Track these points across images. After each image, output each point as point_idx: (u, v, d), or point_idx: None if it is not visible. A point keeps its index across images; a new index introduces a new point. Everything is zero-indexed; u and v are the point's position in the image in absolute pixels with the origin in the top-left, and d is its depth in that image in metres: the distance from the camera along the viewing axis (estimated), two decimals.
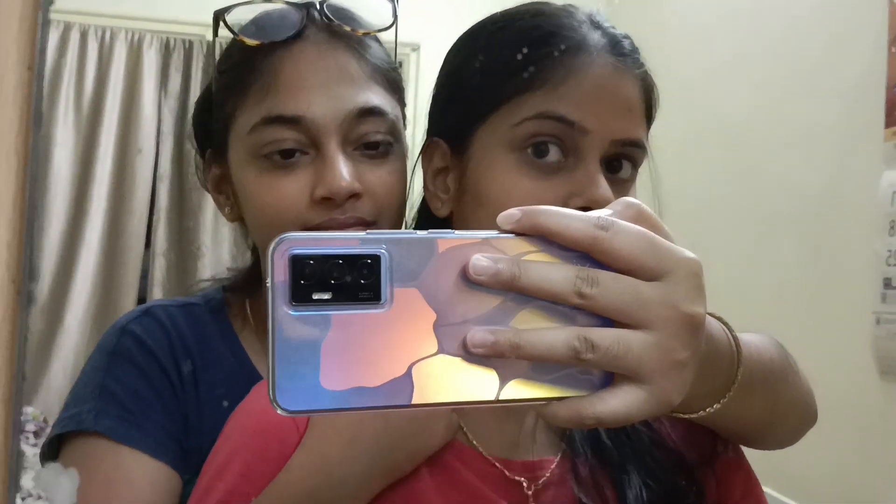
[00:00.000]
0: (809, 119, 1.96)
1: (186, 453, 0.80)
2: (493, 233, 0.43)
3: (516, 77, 0.67)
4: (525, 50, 0.68)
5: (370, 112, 0.80)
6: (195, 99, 1.06)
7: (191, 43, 3.32)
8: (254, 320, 0.92)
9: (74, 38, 3.15)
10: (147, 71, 3.25)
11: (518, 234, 0.43)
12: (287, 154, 0.78)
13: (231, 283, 0.97)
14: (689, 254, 0.45)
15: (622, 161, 0.69)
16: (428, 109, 0.77)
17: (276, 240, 0.41)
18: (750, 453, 2.18)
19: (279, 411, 0.40)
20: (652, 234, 0.44)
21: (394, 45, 0.88)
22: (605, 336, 0.42)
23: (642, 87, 0.70)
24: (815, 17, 1.97)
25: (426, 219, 0.76)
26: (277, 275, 0.40)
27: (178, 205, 3.34)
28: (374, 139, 0.80)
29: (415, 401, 0.41)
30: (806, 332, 1.90)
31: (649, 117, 0.73)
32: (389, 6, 0.85)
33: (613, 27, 0.72)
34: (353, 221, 0.77)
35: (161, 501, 0.77)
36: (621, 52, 0.69)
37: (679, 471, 0.72)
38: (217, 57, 0.88)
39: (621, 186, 0.68)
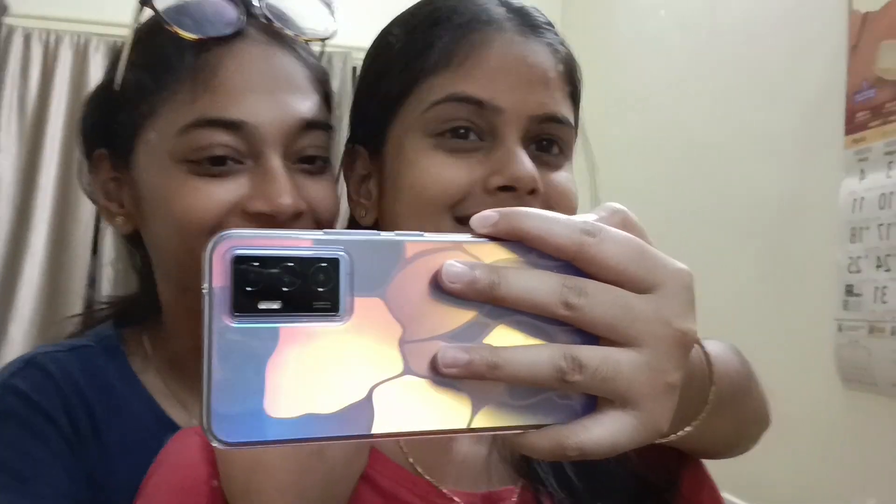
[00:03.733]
0: (770, 127, 1.96)
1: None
2: (467, 236, 0.38)
3: (420, 61, 0.64)
4: (425, 31, 0.65)
5: (315, 125, 0.75)
6: None
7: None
8: (156, 357, 0.84)
9: (17, 42, 3.05)
10: (94, 75, 3.15)
11: (494, 238, 0.38)
12: (218, 161, 0.71)
13: (121, 317, 0.87)
14: (681, 265, 0.41)
15: (549, 140, 0.65)
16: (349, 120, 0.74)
17: (216, 238, 0.34)
18: (713, 462, 2.17)
19: (215, 444, 0.34)
20: (642, 241, 0.40)
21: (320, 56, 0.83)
22: (593, 355, 0.37)
23: (559, 60, 0.66)
24: (775, 26, 1.98)
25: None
26: (216, 279, 0.34)
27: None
28: (312, 153, 0.75)
29: (375, 430, 0.35)
30: (768, 339, 1.91)
31: (574, 95, 0.69)
32: (329, 15, 0.81)
33: (523, 2, 0.68)
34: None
35: None
36: (530, 23, 0.65)
37: (647, 497, 0.68)
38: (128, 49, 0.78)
39: (553, 166, 0.65)
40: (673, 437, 0.54)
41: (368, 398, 0.35)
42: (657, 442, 0.52)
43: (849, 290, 1.62)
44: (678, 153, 2.38)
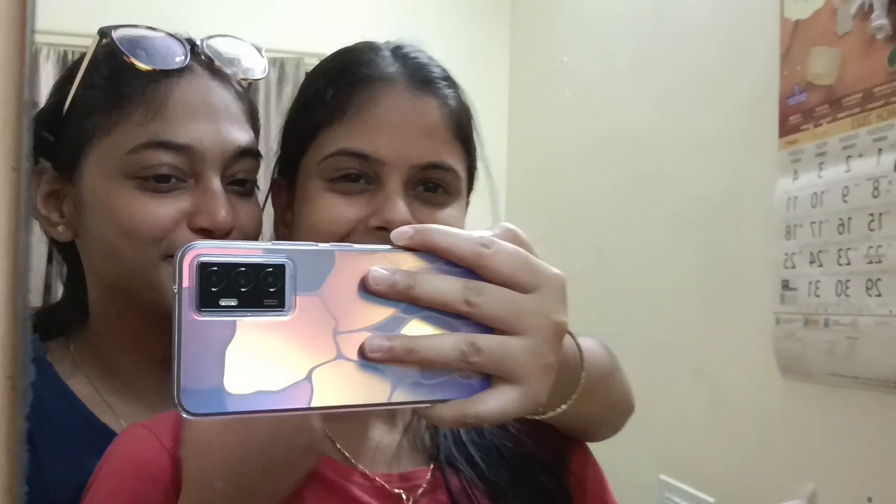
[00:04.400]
0: (707, 128, 2.04)
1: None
2: (388, 247, 0.47)
3: (318, 114, 0.73)
4: (325, 85, 0.74)
5: (248, 152, 0.84)
6: None
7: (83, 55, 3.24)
8: (83, 364, 0.88)
9: None
10: (45, 84, 3.15)
11: (410, 249, 0.47)
12: (163, 179, 0.80)
13: (45, 327, 0.91)
14: (557, 270, 0.51)
15: (434, 183, 0.74)
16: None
17: (185, 247, 0.42)
18: (659, 449, 2.26)
19: (184, 415, 0.41)
20: (526, 252, 0.50)
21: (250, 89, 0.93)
22: (488, 341, 0.47)
23: (447, 113, 0.75)
24: (710, 31, 2.06)
25: None
26: (185, 281, 0.41)
27: None
28: (243, 177, 0.85)
29: (314, 404, 0.43)
30: (710, 332, 1.99)
31: (465, 140, 0.77)
32: (262, 59, 0.91)
33: (421, 57, 0.77)
34: None
35: None
36: (420, 80, 0.74)
37: (542, 472, 0.78)
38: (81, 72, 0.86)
39: (437, 205, 0.73)
40: (552, 413, 0.63)
41: (308, 378, 0.43)
42: (540, 419, 0.61)
43: (785, 285, 1.70)
44: (620, 153, 2.45)
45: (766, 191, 1.76)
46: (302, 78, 3.01)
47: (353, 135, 0.71)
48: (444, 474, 0.74)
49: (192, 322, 0.41)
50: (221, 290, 0.42)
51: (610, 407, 0.78)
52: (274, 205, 0.83)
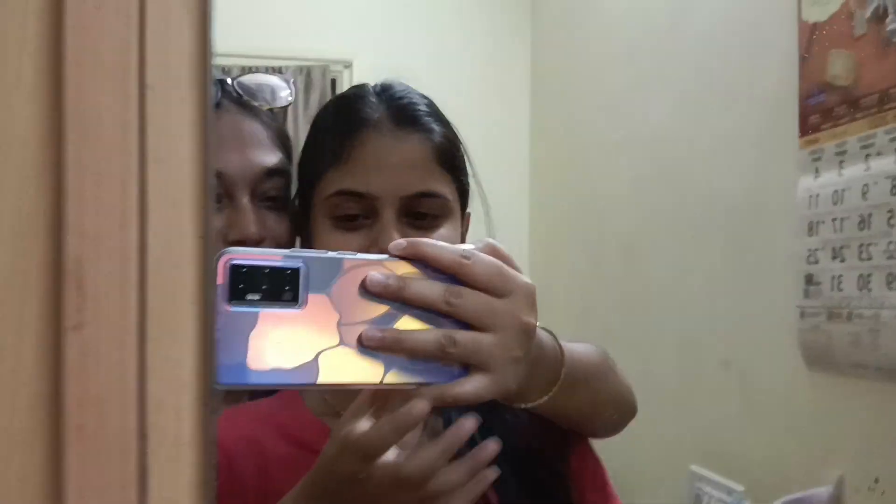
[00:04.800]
0: (729, 128, 2.10)
1: None
2: (384, 256, 0.57)
3: (318, 158, 0.83)
4: (322, 133, 0.85)
5: (275, 172, 0.94)
6: None
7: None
8: None
9: None
10: None
11: (403, 258, 0.57)
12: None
13: None
14: (527, 280, 0.61)
15: (423, 210, 0.83)
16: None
17: (221, 252, 0.51)
18: (690, 439, 2.32)
19: (215, 385, 0.48)
20: (501, 263, 0.59)
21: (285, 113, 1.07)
22: (464, 336, 0.56)
23: (431, 146, 0.83)
24: (733, 35, 2.11)
25: None
26: (219, 279, 0.51)
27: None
28: (273, 194, 0.94)
29: (319, 381, 0.53)
30: (737, 326, 2.05)
31: (451, 166, 0.85)
32: (286, 88, 1.01)
33: (405, 97, 0.86)
34: None
35: None
36: (404, 119, 0.83)
37: (543, 466, 0.84)
38: None
39: (428, 230, 0.82)
40: (536, 402, 0.71)
41: (315, 360, 0.52)
42: (526, 407, 0.67)
43: (808, 280, 1.76)
44: (644, 152, 2.52)
45: (788, 189, 1.82)
46: (328, 84, 3.09)
47: (348, 176, 0.80)
48: None
49: (224, 312, 0.50)
50: (247, 287, 0.51)
51: (601, 403, 0.83)
52: (296, 230, 0.94)
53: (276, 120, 1.00)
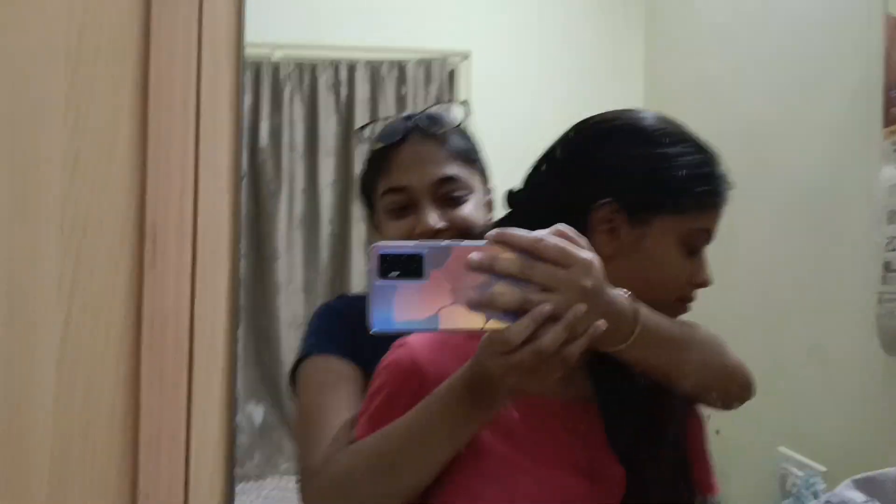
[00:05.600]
0: (816, 119, 2.15)
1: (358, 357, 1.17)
2: (482, 242, 0.78)
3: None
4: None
5: (448, 179, 1.22)
6: (263, 114, 2.59)
7: (259, 65, 3.62)
8: None
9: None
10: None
11: (497, 242, 0.78)
12: (401, 209, 1.21)
13: None
14: (588, 255, 0.79)
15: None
16: None
17: (373, 245, 0.76)
18: (778, 422, 2.37)
19: (372, 330, 0.74)
20: (565, 243, 0.78)
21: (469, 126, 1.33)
22: (536, 297, 0.77)
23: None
24: (818, 26, 2.16)
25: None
26: (372, 262, 0.75)
27: (255, 213, 3.64)
28: (453, 195, 1.22)
29: (440, 327, 0.76)
30: (820, 313, 2.10)
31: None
32: (459, 111, 1.30)
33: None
34: None
35: (348, 379, 1.16)
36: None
37: (663, 416, 0.99)
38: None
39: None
40: (616, 348, 0.88)
41: (437, 314, 0.75)
42: (607, 351, 0.81)
43: (887, 266, 1.81)
44: (738, 143, 2.56)
45: (870, 178, 1.86)
46: (446, 77, 3.26)
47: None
48: (599, 411, 0.97)
49: (376, 284, 0.74)
50: (389, 268, 0.74)
51: (681, 367, 0.95)
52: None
53: (454, 137, 1.27)
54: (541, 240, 0.77)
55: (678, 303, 0.98)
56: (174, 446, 0.47)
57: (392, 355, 0.98)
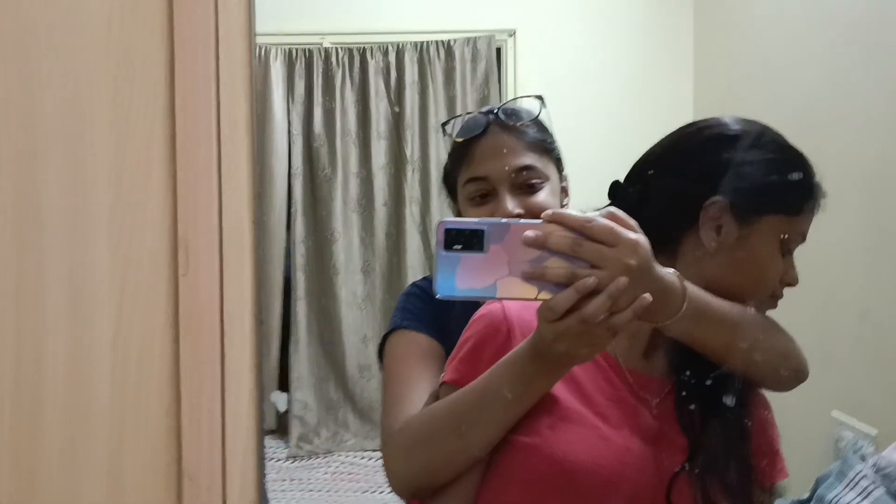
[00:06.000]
0: (868, 97, 2.14)
1: (442, 335, 1.26)
2: (538, 221, 0.83)
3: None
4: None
5: (525, 168, 1.28)
6: (317, 101, 2.86)
7: (311, 52, 3.71)
8: None
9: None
10: (275, 81, 3.65)
11: (550, 222, 0.83)
12: (481, 196, 1.28)
13: None
14: (634, 235, 0.83)
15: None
16: None
17: (440, 221, 0.81)
18: (831, 387, 2.38)
19: (437, 295, 0.81)
20: (613, 224, 0.83)
21: (549, 123, 1.36)
22: (584, 270, 0.82)
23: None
24: (876, 9, 2.15)
25: None
26: (438, 236, 0.81)
27: (312, 197, 3.75)
28: (530, 183, 1.28)
29: (498, 296, 0.82)
30: (871, 282, 2.11)
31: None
32: (536, 104, 1.35)
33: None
34: None
35: (431, 354, 1.25)
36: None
37: (734, 395, 1.02)
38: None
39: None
40: (664, 323, 0.91)
41: (495, 284, 0.81)
42: (656, 325, 0.86)
43: None
44: (793, 119, 2.56)
45: None
46: (493, 55, 3.31)
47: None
48: (678, 388, 1.02)
49: (441, 254, 0.80)
50: (454, 241, 0.80)
51: (731, 346, 0.98)
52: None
53: (531, 130, 1.33)
54: (591, 220, 0.83)
55: (770, 299, 1.03)
56: (212, 430, 0.54)
57: (485, 308, 1.06)
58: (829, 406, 2.31)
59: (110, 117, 0.58)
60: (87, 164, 0.57)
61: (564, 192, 1.34)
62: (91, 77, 0.58)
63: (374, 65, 3.72)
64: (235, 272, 0.56)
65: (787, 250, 1.01)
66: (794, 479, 2.24)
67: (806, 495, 2.12)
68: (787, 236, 1.00)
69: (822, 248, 2.39)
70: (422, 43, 3.71)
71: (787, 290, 1.03)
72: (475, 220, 0.82)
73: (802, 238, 1.04)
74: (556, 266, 0.82)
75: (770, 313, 1.04)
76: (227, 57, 0.54)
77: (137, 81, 0.57)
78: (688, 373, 1.00)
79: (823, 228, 2.27)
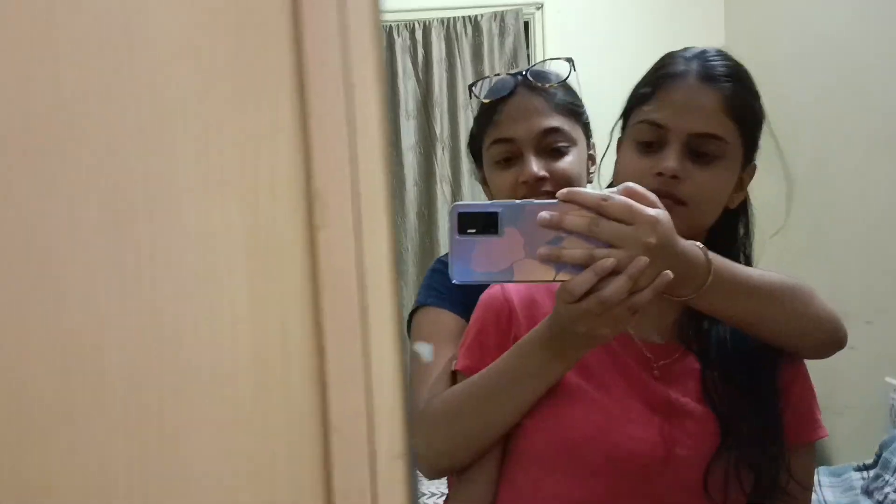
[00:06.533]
0: None
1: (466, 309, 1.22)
2: (553, 201, 0.80)
3: (638, 94, 1.02)
4: (646, 77, 1.03)
5: (552, 130, 1.24)
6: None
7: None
8: None
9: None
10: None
11: (565, 201, 0.81)
12: (506, 159, 1.25)
13: None
14: (653, 212, 0.81)
15: (704, 149, 0.96)
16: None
17: (453, 204, 0.80)
18: (884, 353, 2.37)
19: (454, 281, 0.80)
20: (630, 201, 0.80)
21: (578, 87, 1.33)
22: (601, 251, 0.80)
23: (723, 98, 0.96)
24: None
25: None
26: (452, 220, 0.79)
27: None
28: (556, 146, 1.24)
29: (514, 278, 0.81)
30: None
31: (741, 119, 0.98)
32: (568, 67, 1.31)
33: (717, 60, 0.99)
34: (543, 196, 1.17)
35: (456, 331, 1.22)
36: (707, 77, 0.97)
37: (757, 368, 1.00)
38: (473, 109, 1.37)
39: (702, 165, 0.96)
40: (689, 296, 0.89)
41: (511, 266, 0.80)
42: (680, 299, 0.84)
43: None
44: (828, 63, 2.52)
45: None
46: (521, 29, 3.28)
47: (652, 111, 0.97)
48: (693, 359, 1.00)
49: (455, 239, 0.79)
50: (468, 225, 0.79)
51: (764, 316, 0.96)
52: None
53: (559, 92, 1.29)
54: (607, 198, 0.80)
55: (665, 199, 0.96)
56: (357, 382, 0.53)
57: (485, 293, 1.05)
58: (883, 373, 2.29)
59: (234, 79, 0.56)
60: (212, 122, 0.56)
61: (591, 160, 1.31)
62: (214, 34, 0.57)
63: (400, 43, 3.69)
64: (371, 224, 0.55)
65: (644, 145, 0.98)
66: (852, 444, 2.23)
67: (871, 460, 2.11)
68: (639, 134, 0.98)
69: (870, 205, 2.37)
70: (448, 19, 3.68)
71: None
72: (488, 202, 0.82)
73: (653, 125, 0.97)
74: (573, 246, 0.80)
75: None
76: (354, 9, 0.53)
77: (262, 37, 0.56)
78: (710, 345, 1.00)
79: (873, 181, 2.26)
